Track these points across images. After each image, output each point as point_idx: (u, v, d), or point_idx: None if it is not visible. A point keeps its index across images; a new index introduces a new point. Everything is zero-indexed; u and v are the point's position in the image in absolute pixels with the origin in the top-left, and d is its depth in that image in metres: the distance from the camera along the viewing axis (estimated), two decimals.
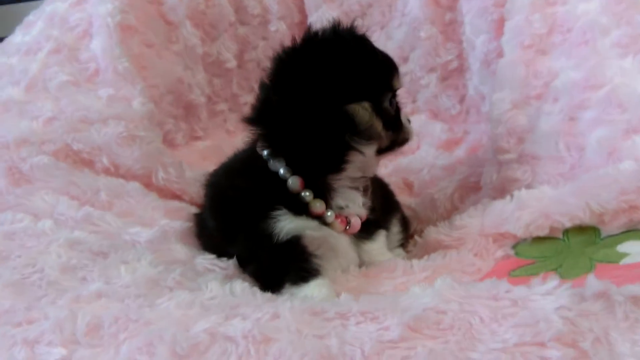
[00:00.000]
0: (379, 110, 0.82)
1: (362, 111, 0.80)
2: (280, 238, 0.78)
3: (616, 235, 0.80)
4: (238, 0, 1.33)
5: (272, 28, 1.35)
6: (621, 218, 0.78)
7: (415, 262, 0.84)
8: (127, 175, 1.00)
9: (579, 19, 0.96)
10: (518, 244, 0.85)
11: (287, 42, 1.31)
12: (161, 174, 1.00)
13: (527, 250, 0.84)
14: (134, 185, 0.98)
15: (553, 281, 0.57)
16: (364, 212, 0.87)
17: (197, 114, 1.30)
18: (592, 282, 0.55)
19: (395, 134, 0.86)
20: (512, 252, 0.84)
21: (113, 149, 1.00)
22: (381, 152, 0.86)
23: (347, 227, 0.85)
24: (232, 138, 1.36)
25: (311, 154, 0.81)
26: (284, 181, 0.82)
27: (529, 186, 0.91)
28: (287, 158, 0.82)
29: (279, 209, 0.80)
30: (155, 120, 1.10)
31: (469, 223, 0.89)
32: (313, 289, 0.76)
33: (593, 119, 0.87)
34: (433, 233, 0.93)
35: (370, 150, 0.83)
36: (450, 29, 1.24)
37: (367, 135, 0.81)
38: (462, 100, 1.25)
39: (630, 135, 0.80)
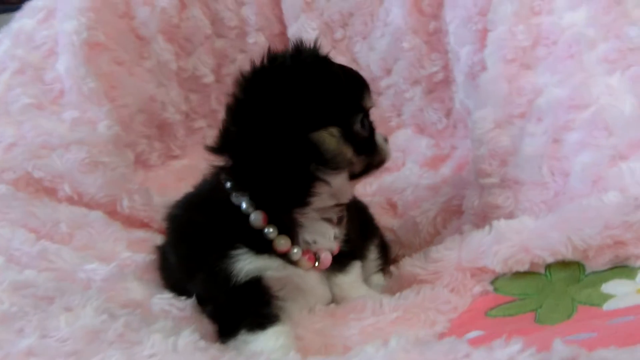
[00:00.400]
0: (348, 135, 0.76)
1: (329, 138, 0.75)
2: (239, 279, 0.72)
3: (601, 271, 0.73)
4: (214, 12, 1.27)
5: (251, 40, 1.29)
6: (606, 254, 0.72)
7: (385, 300, 0.78)
8: (91, 204, 0.96)
9: (564, 30, 0.89)
10: (497, 279, 0.79)
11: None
12: (125, 202, 0.95)
13: (507, 286, 0.78)
14: (97, 215, 0.94)
15: (515, 345, 0.51)
16: (334, 246, 0.81)
17: (173, 132, 1.25)
18: (559, 347, 0.49)
19: (369, 157, 0.80)
20: (490, 288, 0.78)
21: (75, 176, 0.96)
22: (355, 177, 0.80)
23: (317, 264, 0.79)
24: (211, 156, 1.31)
25: (274, 186, 0.75)
26: (246, 216, 0.76)
27: (510, 214, 0.85)
28: (250, 191, 0.76)
29: (239, 248, 0.74)
30: (122, 143, 1.05)
31: (445, 256, 0.83)
32: (269, 339, 0.71)
33: (578, 142, 0.80)
34: (408, 265, 0.87)
35: (339, 179, 0.77)
36: (435, 38, 1.17)
37: (335, 164, 0.75)
38: (448, 114, 1.18)
39: (616, 162, 0.73)
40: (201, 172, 1.15)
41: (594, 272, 0.73)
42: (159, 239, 0.96)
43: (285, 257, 0.77)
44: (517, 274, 0.77)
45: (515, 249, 0.76)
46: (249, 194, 0.76)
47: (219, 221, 0.77)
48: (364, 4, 1.22)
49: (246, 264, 0.73)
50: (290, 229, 0.77)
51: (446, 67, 1.17)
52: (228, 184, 0.78)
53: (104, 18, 1.14)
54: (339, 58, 1.15)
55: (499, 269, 0.76)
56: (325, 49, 1.21)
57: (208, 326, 0.75)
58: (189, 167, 1.25)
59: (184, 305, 0.77)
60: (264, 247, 0.75)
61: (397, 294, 0.81)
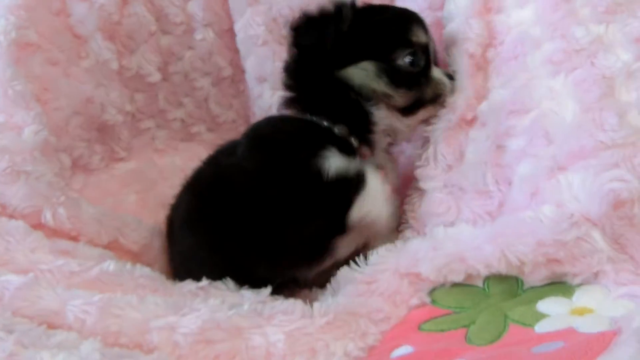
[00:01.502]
0: (387, 69, 0.84)
1: (358, 73, 0.84)
2: (329, 176, 0.78)
3: (539, 287, 0.70)
4: (158, 8, 1.20)
5: (198, 36, 1.23)
6: (542, 271, 0.68)
7: (316, 305, 0.75)
8: (15, 215, 0.90)
9: (511, 29, 0.84)
10: (435, 290, 0.75)
11: (216, 51, 1.23)
12: (48, 215, 0.90)
13: (445, 298, 0.74)
14: (17, 224, 0.88)
15: None
16: (396, 182, 0.90)
17: (116, 134, 1.19)
18: None
19: (417, 91, 0.85)
20: (428, 300, 0.75)
21: None
22: (406, 112, 0.86)
23: None
24: (161, 157, 1.26)
25: (340, 111, 0.85)
26: (329, 129, 0.84)
27: (452, 224, 0.80)
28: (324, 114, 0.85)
29: (329, 149, 0.80)
30: (53, 149, 0.99)
31: (384, 260, 0.80)
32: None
33: (519, 149, 0.76)
34: (347, 269, 0.83)
35: (381, 112, 0.86)
36: None
37: (368, 97, 0.84)
38: None
39: (554, 174, 0.69)
40: (147, 177, 1.12)
41: (532, 288, 0.70)
42: (87, 250, 0.91)
43: None
44: (455, 286, 0.74)
45: (450, 258, 0.73)
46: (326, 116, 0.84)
47: (306, 132, 0.83)
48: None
49: (337, 161, 0.79)
50: (367, 145, 0.86)
51: None
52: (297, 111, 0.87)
53: (37, 16, 1.07)
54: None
55: (433, 277, 0.73)
56: (272, 46, 1.18)
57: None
58: (135, 172, 1.20)
59: (96, 310, 0.73)
60: (349, 151, 0.82)
61: (330, 298, 0.79)
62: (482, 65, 0.87)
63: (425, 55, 0.86)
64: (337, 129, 0.85)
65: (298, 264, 0.84)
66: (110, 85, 1.16)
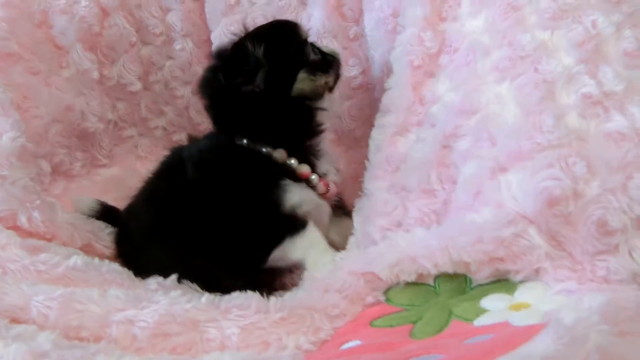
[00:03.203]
0: (313, 67, 0.95)
1: (303, 82, 0.94)
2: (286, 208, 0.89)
3: (485, 285, 0.72)
4: (138, 20, 1.24)
5: (178, 46, 1.27)
6: (486, 269, 0.70)
7: (272, 299, 0.78)
8: None
9: (465, 37, 0.86)
10: (390, 289, 0.78)
11: (195, 61, 1.26)
12: (23, 218, 0.93)
13: (398, 297, 0.77)
14: None
15: None
16: (337, 179, 0.99)
17: (97, 142, 1.23)
18: None
19: (333, 69, 0.98)
20: (383, 298, 0.77)
21: None
22: (332, 89, 0.99)
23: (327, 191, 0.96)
24: (143, 164, 1.30)
25: (287, 127, 0.94)
26: (268, 157, 0.93)
27: (399, 224, 0.83)
28: (264, 138, 0.93)
29: (284, 179, 0.90)
30: (30, 155, 1.03)
31: (342, 260, 0.84)
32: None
33: (465, 150, 0.78)
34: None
35: (324, 101, 0.97)
36: (356, 44, 1.15)
37: (315, 96, 0.96)
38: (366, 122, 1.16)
39: (495, 175, 0.71)
40: (126, 185, 1.15)
41: (479, 285, 0.72)
42: (57, 248, 0.94)
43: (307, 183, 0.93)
44: (408, 285, 0.76)
45: (401, 257, 0.75)
46: (264, 140, 0.93)
47: (252, 164, 0.91)
48: (287, 8, 1.20)
49: (293, 194, 0.90)
50: (307, 160, 0.95)
51: (365, 73, 1.15)
52: (244, 141, 0.93)
53: (19, 28, 1.12)
54: None
55: (384, 275, 0.76)
56: None
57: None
58: (116, 178, 1.23)
59: (57, 305, 0.75)
60: (293, 178, 0.92)
61: (287, 294, 0.82)
62: (433, 72, 0.90)
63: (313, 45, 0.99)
64: (277, 154, 0.94)
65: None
66: (91, 94, 1.21)
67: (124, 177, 1.22)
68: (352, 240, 0.91)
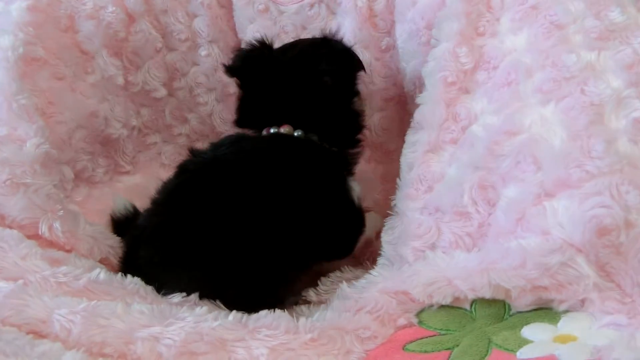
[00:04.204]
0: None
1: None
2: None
3: (526, 312, 0.69)
4: (164, 26, 1.23)
5: (203, 52, 1.25)
6: (528, 296, 0.67)
7: (302, 320, 0.76)
8: (13, 226, 0.91)
9: (505, 56, 0.84)
10: (423, 311, 0.75)
11: (221, 67, 1.24)
12: (44, 227, 0.91)
13: (431, 320, 0.74)
14: (12, 233, 0.89)
15: None
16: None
17: (121, 148, 1.22)
18: None
19: None
20: (415, 320, 0.75)
21: None
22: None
23: None
24: (167, 172, 1.26)
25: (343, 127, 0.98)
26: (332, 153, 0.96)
27: (432, 246, 0.80)
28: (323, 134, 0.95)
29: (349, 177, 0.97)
30: (54, 161, 1.01)
31: (374, 278, 0.82)
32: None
33: (505, 173, 0.75)
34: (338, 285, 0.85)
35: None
36: (387, 55, 1.13)
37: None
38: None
39: (541, 201, 0.68)
40: (150, 192, 1.13)
41: (519, 312, 0.69)
42: (77, 260, 0.91)
43: None
44: (443, 308, 0.74)
45: (437, 277, 0.73)
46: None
47: (321, 159, 0.93)
48: (316, 17, 1.18)
49: (357, 187, 0.96)
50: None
51: (397, 85, 1.13)
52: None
53: (46, 32, 1.10)
54: None
55: (420, 297, 0.73)
56: None
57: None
58: (140, 186, 1.21)
59: (80, 319, 0.73)
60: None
61: (317, 314, 0.80)
62: (468, 88, 0.87)
63: None
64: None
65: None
66: (115, 100, 1.19)
67: (147, 184, 1.19)
68: (381, 260, 0.89)
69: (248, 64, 0.99)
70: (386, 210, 1.05)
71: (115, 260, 0.99)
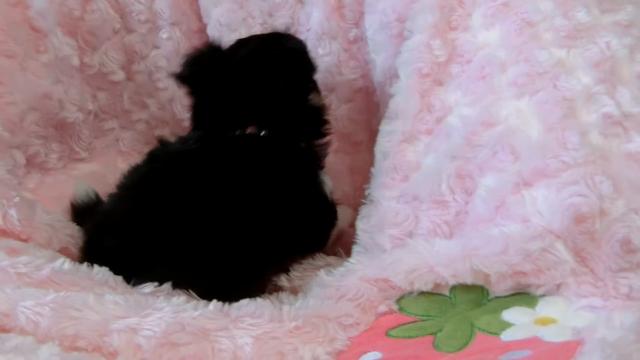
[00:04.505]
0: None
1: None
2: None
3: (504, 297, 0.72)
4: (123, 5, 1.17)
5: (164, 35, 1.20)
6: (507, 281, 0.70)
7: (285, 308, 0.76)
8: None
9: (478, 50, 0.87)
10: (403, 298, 0.76)
11: (183, 52, 1.20)
12: None
13: (412, 306, 0.75)
14: None
15: None
16: None
17: (76, 133, 1.15)
18: None
19: None
20: (395, 307, 0.76)
21: None
22: None
23: None
24: (125, 159, 1.22)
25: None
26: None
27: (410, 234, 0.82)
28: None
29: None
30: (6, 145, 0.94)
31: (353, 266, 0.82)
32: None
33: (483, 162, 0.78)
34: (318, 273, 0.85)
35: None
36: (355, 47, 1.14)
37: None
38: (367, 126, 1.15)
39: (519, 189, 0.72)
40: (106, 181, 1.08)
41: (497, 297, 0.72)
42: (36, 250, 0.86)
43: None
44: (422, 295, 0.75)
45: (419, 264, 0.74)
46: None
47: (291, 155, 0.94)
48: (284, 5, 1.17)
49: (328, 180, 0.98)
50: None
51: (365, 77, 1.14)
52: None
53: None
54: None
55: (399, 281, 0.74)
56: None
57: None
58: (96, 174, 1.15)
59: (50, 311, 0.69)
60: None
61: (299, 302, 0.79)
62: (442, 80, 0.89)
63: None
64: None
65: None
66: (70, 82, 1.12)
67: (104, 173, 1.14)
68: (356, 248, 0.90)
69: (198, 70, 0.96)
70: (355, 201, 1.07)
71: (75, 250, 0.93)
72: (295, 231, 0.92)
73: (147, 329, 0.69)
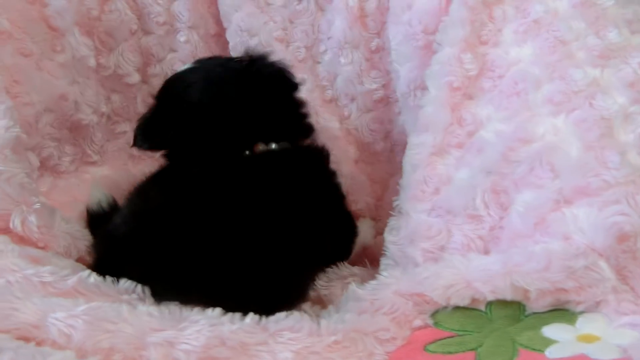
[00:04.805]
0: None
1: None
2: None
3: (542, 313, 0.72)
4: (141, 6, 1.15)
5: (182, 38, 1.18)
6: (547, 298, 0.71)
7: (323, 322, 0.74)
8: None
9: (510, 66, 0.87)
10: (437, 312, 0.76)
11: (200, 55, 1.18)
12: (17, 220, 0.82)
13: (447, 321, 0.75)
14: None
15: None
16: None
17: (89, 136, 1.12)
18: None
19: None
20: (430, 322, 0.75)
21: None
22: None
23: None
24: (136, 164, 1.20)
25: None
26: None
27: (442, 248, 0.82)
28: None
29: None
30: (23, 147, 0.91)
31: (385, 280, 0.81)
32: None
33: (520, 179, 0.78)
34: (351, 286, 0.83)
35: None
36: (377, 56, 1.14)
37: None
38: (386, 137, 1.15)
39: (560, 207, 0.72)
40: (120, 187, 1.04)
41: (534, 313, 0.72)
42: (57, 260, 0.83)
43: None
44: (457, 309, 0.75)
45: (457, 279, 0.74)
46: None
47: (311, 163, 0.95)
48: (304, 13, 1.16)
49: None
50: None
51: (386, 87, 1.14)
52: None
53: (10, 3, 0.99)
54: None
55: (437, 297, 0.74)
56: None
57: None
58: (108, 179, 1.12)
59: (83, 324, 0.67)
60: None
61: (335, 315, 0.78)
62: (472, 95, 0.90)
63: None
64: None
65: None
66: (86, 83, 1.10)
67: (116, 178, 1.12)
68: (385, 260, 0.90)
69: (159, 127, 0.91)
70: (377, 212, 1.06)
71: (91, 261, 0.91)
72: (321, 240, 0.90)
73: (185, 343, 0.68)
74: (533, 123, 0.80)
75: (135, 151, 1.20)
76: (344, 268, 0.97)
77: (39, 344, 0.66)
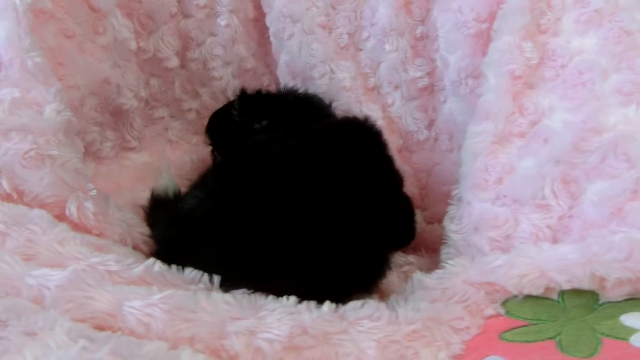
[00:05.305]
0: None
1: None
2: None
3: (617, 302, 0.72)
4: None
5: (222, 22, 1.15)
6: (625, 287, 0.71)
7: (401, 311, 0.74)
8: (33, 204, 0.79)
9: (573, 55, 0.87)
10: (508, 301, 0.76)
11: (240, 40, 1.15)
12: (73, 207, 0.79)
13: (519, 310, 0.75)
14: (39, 213, 0.77)
15: None
16: None
17: (129, 121, 1.09)
18: None
19: None
20: (502, 311, 0.75)
21: (16, 171, 0.78)
22: None
23: None
24: (174, 149, 1.17)
25: None
26: None
27: (508, 237, 0.82)
28: None
29: None
30: (73, 130, 0.88)
31: (453, 269, 0.80)
32: None
33: (591, 168, 0.78)
34: (418, 274, 0.83)
35: None
36: (421, 44, 1.12)
37: None
38: (430, 125, 1.14)
39: (637, 196, 0.73)
40: (160, 173, 1.01)
41: (608, 302, 0.72)
42: (117, 248, 0.81)
43: None
44: (529, 298, 0.75)
45: (531, 269, 0.73)
46: None
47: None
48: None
49: None
50: None
51: (431, 75, 1.13)
52: None
53: None
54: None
55: (511, 286, 0.74)
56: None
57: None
58: (148, 165, 1.10)
59: (161, 313, 0.65)
60: None
61: (411, 304, 0.77)
62: (532, 83, 0.90)
63: None
64: None
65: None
66: (127, 67, 1.06)
67: (157, 165, 1.09)
68: (446, 249, 0.89)
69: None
70: (422, 201, 1.06)
71: (145, 249, 0.89)
72: (390, 222, 0.88)
73: (267, 332, 0.66)
74: (603, 113, 0.80)
75: (172, 136, 1.17)
76: (399, 256, 0.96)
77: (115, 332, 0.65)
